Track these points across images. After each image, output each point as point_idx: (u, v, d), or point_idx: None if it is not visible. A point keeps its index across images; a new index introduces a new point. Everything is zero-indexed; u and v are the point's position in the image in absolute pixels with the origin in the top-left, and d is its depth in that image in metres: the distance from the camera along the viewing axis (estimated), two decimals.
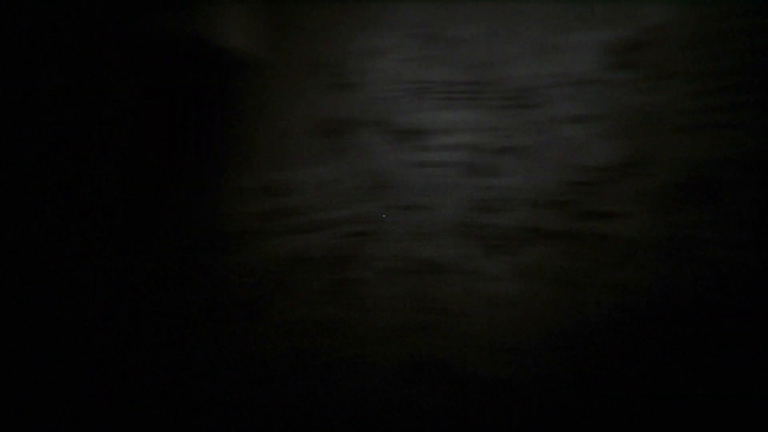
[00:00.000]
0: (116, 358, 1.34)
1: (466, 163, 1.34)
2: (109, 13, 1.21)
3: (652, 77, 1.26)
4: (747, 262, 1.27)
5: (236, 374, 1.35)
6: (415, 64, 1.31)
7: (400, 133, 1.34)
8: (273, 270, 1.37)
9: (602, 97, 1.30)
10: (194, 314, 1.38)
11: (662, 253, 1.38)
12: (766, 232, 1.31)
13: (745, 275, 1.27)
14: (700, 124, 1.29)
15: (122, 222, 1.32)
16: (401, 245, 1.36)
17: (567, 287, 1.38)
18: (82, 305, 1.29)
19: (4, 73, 1.09)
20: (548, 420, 1.35)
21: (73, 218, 1.23)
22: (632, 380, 1.31)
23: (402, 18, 1.32)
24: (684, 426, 1.30)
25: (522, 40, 1.30)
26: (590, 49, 1.29)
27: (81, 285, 1.28)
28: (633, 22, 1.29)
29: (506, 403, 1.31)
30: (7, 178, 1.13)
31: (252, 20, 1.33)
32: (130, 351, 1.35)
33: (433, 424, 1.32)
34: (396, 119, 1.35)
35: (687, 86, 1.26)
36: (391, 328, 1.35)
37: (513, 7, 1.30)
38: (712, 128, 1.28)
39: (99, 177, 1.25)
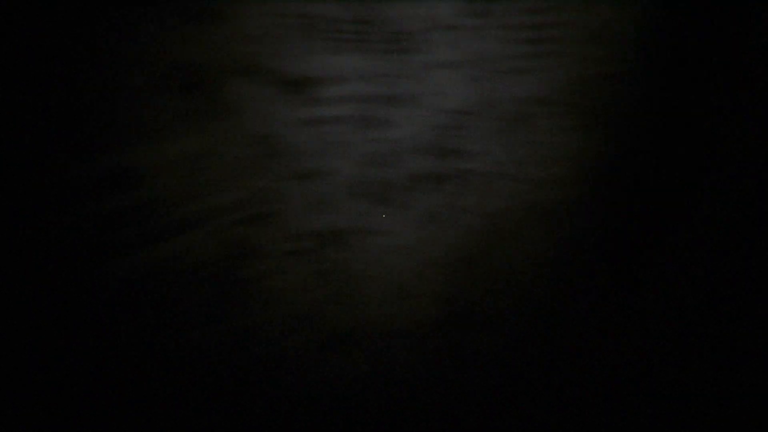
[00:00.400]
0: None
1: (359, 116, 1.21)
2: None
3: (493, 26, 1.40)
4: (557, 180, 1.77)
5: None
6: None
7: (287, 83, 1.05)
8: (136, 298, 0.95)
9: (464, 44, 1.38)
10: None
11: (494, 179, 1.73)
12: (568, 165, 1.84)
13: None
14: (519, 68, 1.58)
15: None
16: (302, 220, 1.18)
17: (458, 226, 1.56)
18: None
19: None
20: (460, 363, 1.58)
21: None
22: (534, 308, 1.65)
23: None
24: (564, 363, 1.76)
25: None
26: None
27: None
28: None
29: (425, 353, 1.46)
30: None
31: None
32: None
33: (360, 392, 1.36)
34: (280, 65, 1.04)
35: (513, 35, 1.49)
36: (301, 313, 1.23)
37: None
38: (527, 72, 1.59)
39: None
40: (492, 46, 1.43)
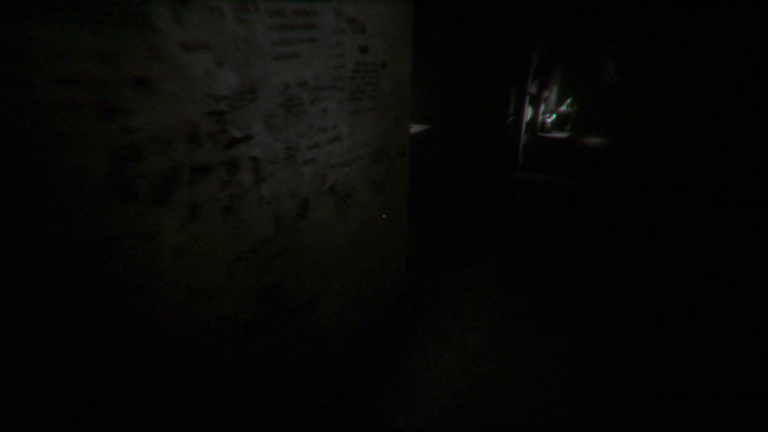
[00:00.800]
0: None
1: (96, 102, 1.04)
2: None
3: (249, 9, 1.40)
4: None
5: None
6: None
7: None
8: None
9: (211, 24, 1.32)
10: None
11: (286, 162, 1.74)
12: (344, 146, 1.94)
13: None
14: (285, 54, 1.61)
15: None
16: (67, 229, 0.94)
17: (235, 215, 1.49)
18: None
19: None
20: None
21: None
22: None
23: None
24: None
25: None
26: None
27: None
28: None
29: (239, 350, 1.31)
30: None
31: None
32: None
33: None
34: None
35: (273, 21, 1.51)
36: None
37: None
38: (290, 58, 1.64)
39: None
40: (255, 30, 1.43)
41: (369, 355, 2.73)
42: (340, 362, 2.50)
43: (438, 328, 3.01)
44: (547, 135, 7.30)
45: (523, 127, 6.99)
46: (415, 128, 5.25)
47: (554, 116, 7.42)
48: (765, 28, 5.57)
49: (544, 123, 7.51)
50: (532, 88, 6.93)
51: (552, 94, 8.08)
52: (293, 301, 1.94)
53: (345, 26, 1.89)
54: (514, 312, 3.20)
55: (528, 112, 7.11)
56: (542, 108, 7.37)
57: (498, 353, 2.76)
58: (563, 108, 8.02)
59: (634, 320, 3.11)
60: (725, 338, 2.91)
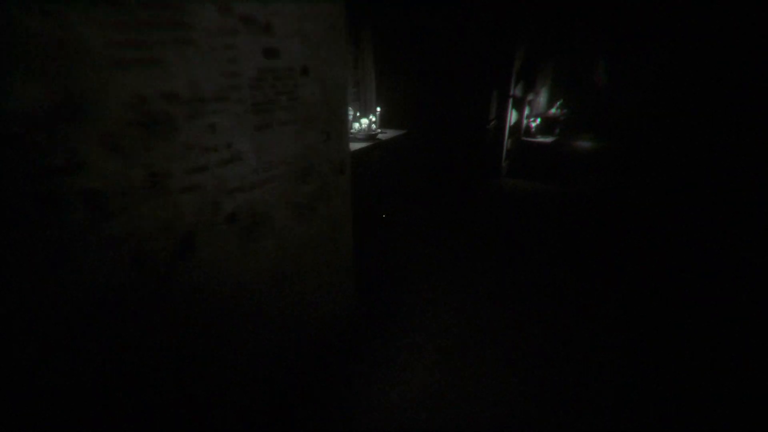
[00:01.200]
0: None
1: None
2: None
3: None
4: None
5: None
6: None
7: None
8: None
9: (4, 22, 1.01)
10: None
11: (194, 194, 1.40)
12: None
13: None
14: (135, 59, 1.28)
15: None
16: None
17: (69, 265, 1.16)
18: None
19: None
20: None
21: None
22: None
23: None
24: None
25: None
26: None
27: None
28: None
29: None
30: None
31: None
32: None
33: None
34: None
35: (109, 17, 1.18)
36: None
37: None
38: (147, 64, 1.31)
39: None
40: (73, 27, 1.11)
41: (305, 396, 2.41)
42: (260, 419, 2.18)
43: (389, 360, 2.70)
44: (532, 139, 6.99)
45: (507, 131, 6.67)
46: (389, 134, 4.94)
47: (539, 120, 7.10)
48: (760, 29, 5.27)
49: (529, 127, 7.20)
50: (517, 91, 6.61)
51: (540, 97, 7.76)
52: (173, 367, 1.63)
53: (238, 25, 1.57)
54: (476, 342, 2.88)
55: (512, 116, 6.79)
56: (526, 111, 7.05)
57: (454, 391, 2.44)
58: (552, 111, 7.70)
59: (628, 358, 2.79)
60: (709, 344, 2.60)
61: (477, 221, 5.05)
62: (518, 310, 3.25)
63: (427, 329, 3.03)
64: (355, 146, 4.17)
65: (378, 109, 4.94)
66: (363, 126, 4.53)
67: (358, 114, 5.14)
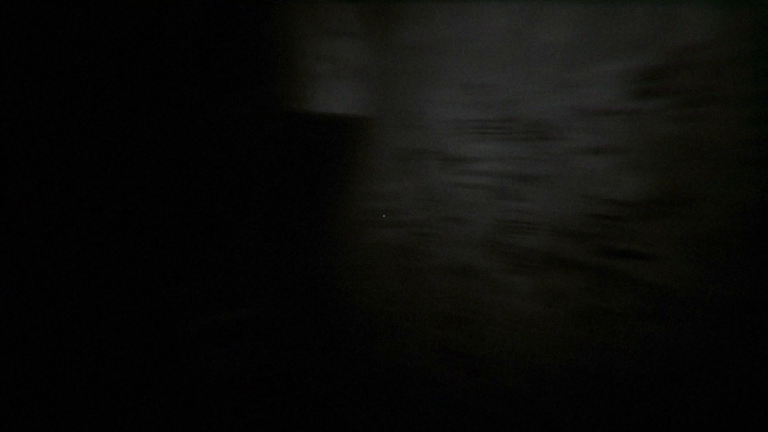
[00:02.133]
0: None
1: (494, 186, 1.62)
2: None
3: (684, 104, 1.15)
4: None
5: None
6: (458, 107, 1.58)
7: (447, 159, 1.61)
8: (364, 251, 1.63)
9: (626, 128, 1.27)
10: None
11: (697, 308, 1.21)
12: None
13: None
14: (749, 157, 1.11)
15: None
16: (447, 248, 1.59)
17: (586, 319, 1.39)
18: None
19: None
20: None
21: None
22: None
23: (447, 72, 1.58)
24: None
25: (541, 79, 1.40)
26: (610, 79, 1.26)
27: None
28: (658, 45, 1.18)
29: (517, 408, 1.46)
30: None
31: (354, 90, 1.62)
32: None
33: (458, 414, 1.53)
34: (445, 149, 1.61)
35: (728, 113, 1.11)
36: (434, 316, 1.55)
37: (532, 49, 1.40)
38: (762, 163, 1.11)
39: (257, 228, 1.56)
40: (661, 129, 1.22)
41: None
42: None
43: None
44: None
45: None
46: None
47: None
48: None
49: None
50: None
51: None
52: None
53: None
54: None
55: None
56: None
57: None
58: None
59: None
60: None
61: None
62: None
63: None
64: None
65: None
66: None
67: None
